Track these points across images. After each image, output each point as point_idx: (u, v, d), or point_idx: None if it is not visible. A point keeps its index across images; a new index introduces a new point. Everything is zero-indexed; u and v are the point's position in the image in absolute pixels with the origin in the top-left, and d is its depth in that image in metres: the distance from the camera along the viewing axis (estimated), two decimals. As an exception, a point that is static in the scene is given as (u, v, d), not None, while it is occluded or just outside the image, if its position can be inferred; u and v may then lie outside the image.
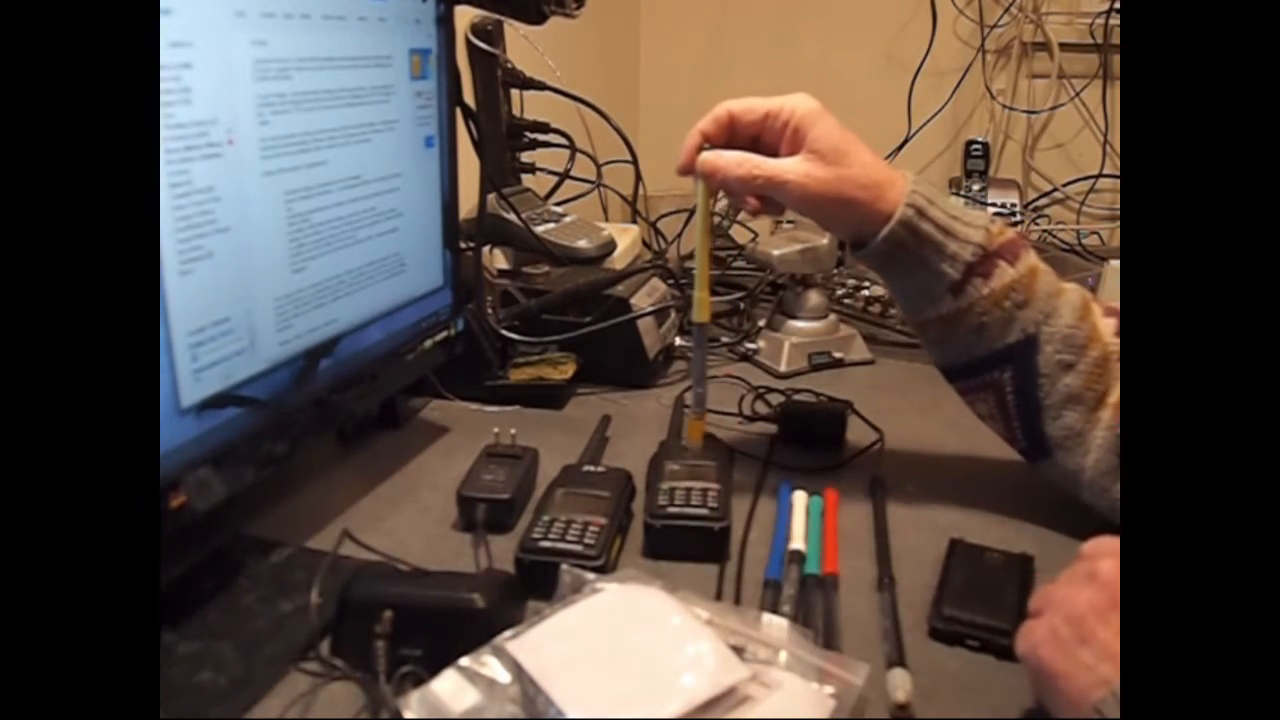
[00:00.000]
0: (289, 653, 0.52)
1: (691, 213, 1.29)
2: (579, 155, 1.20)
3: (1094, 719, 0.39)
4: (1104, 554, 0.43)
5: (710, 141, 0.64)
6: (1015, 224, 1.50)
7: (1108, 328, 0.62)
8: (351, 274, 0.64)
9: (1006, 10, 1.57)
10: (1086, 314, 0.63)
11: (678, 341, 0.99)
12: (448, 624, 0.49)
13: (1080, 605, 0.41)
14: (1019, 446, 0.66)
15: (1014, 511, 0.67)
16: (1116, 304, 0.64)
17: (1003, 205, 1.53)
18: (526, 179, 1.16)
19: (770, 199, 0.64)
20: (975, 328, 0.62)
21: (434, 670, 0.47)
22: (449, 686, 0.46)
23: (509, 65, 1.10)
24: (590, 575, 0.54)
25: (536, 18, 0.84)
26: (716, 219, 1.31)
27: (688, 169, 0.64)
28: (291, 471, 0.72)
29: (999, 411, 0.65)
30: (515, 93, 1.13)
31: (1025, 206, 1.59)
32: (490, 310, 0.89)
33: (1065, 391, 0.62)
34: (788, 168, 0.61)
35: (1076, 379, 0.62)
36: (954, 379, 0.67)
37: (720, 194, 0.66)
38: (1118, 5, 1.50)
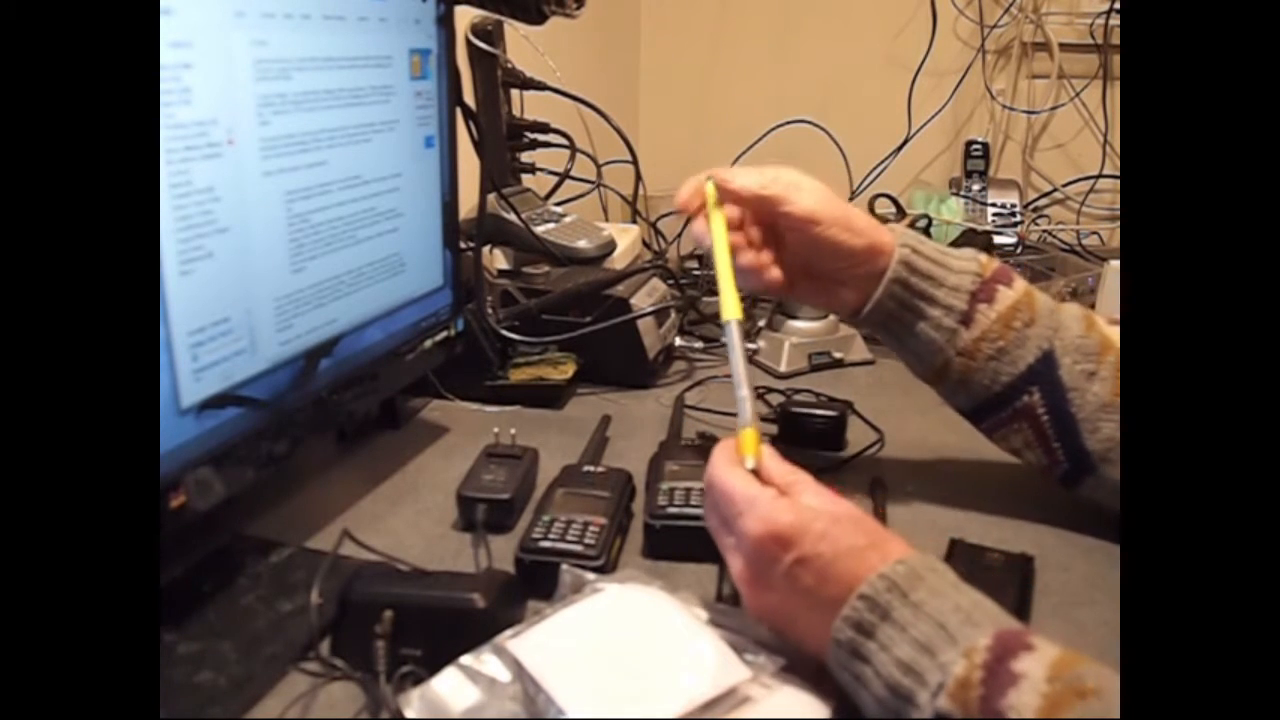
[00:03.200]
0: (289, 653, 0.52)
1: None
2: (579, 155, 1.20)
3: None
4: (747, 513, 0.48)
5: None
6: (1015, 224, 1.50)
7: (1115, 334, 0.63)
8: (351, 274, 0.64)
9: (1006, 10, 1.57)
10: (1091, 323, 0.63)
11: (678, 341, 0.99)
12: (448, 624, 0.49)
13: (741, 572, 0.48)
14: (1061, 469, 0.64)
15: (1014, 511, 0.67)
16: (1115, 315, 0.64)
17: (1003, 205, 1.53)
18: (526, 179, 1.16)
19: (778, 255, 0.64)
20: (993, 354, 0.62)
21: (434, 670, 0.47)
22: (449, 684, 0.46)
23: (509, 65, 1.10)
24: (590, 575, 0.54)
25: (536, 18, 0.84)
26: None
27: (689, 203, 0.63)
28: (291, 471, 0.72)
29: (1036, 437, 0.64)
30: (515, 93, 1.13)
31: (1025, 206, 1.60)
32: (490, 310, 0.89)
33: (1096, 401, 0.62)
34: (802, 181, 0.62)
35: (1103, 387, 0.61)
36: (984, 418, 0.65)
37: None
38: (1118, 5, 1.50)
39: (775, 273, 0.64)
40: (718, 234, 0.61)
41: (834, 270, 0.63)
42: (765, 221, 0.64)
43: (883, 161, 1.56)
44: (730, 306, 0.58)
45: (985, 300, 0.62)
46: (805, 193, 0.61)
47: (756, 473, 0.50)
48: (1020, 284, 0.64)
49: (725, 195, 0.62)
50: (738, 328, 0.57)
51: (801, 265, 0.64)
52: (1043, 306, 0.63)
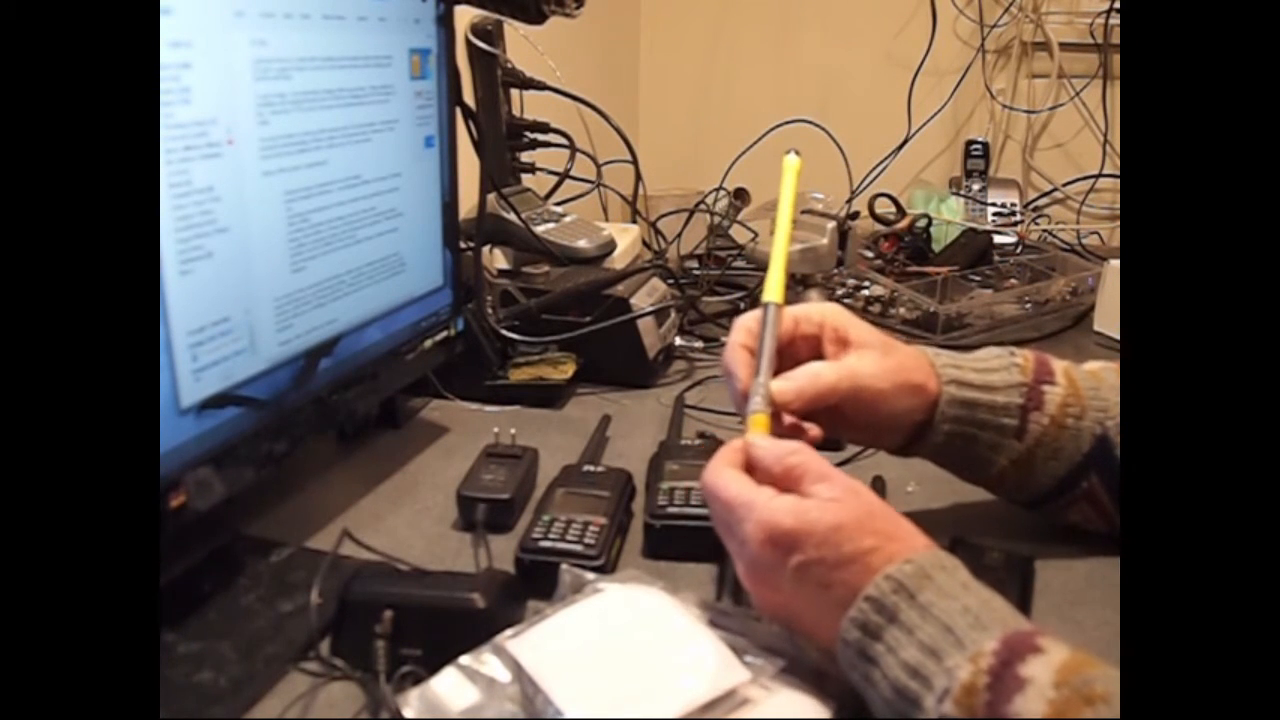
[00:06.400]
0: (289, 653, 0.52)
1: (692, 212, 1.29)
2: (579, 155, 1.20)
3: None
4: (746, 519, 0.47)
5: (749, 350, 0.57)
6: (1015, 223, 1.50)
7: None
8: (351, 274, 0.64)
9: (1006, 10, 1.57)
10: None
11: (678, 341, 0.99)
12: (448, 624, 0.49)
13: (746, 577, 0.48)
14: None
15: (1014, 511, 0.67)
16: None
17: (1003, 205, 1.53)
18: (526, 179, 1.16)
19: (831, 417, 0.58)
20: (1050, 455, 0.60)
21: (434, 670, 0.47)
22: (448, 684, 0.46)
23: (509, 65, 1.10)
24: (590, 575, 0.54)
25: (536, 18, 0.84)
26: (716, 219, 1.31)
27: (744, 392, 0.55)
28: (291, 471, 0.72)
29: (1097, 515, 0.62)
30: (515, 93, 1.13)
31: (1025, 206, 1.60)
32: (490, 310, 0.89)
33: None
34: (856, 352, 0.58)
35: None
36: (1042, 505, 0.63)
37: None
38: (1118, 5, 1.50)
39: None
40: (783, 210, 0.59)
41: (891, 425, 0.60)
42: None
43: (883, 161, 1.56)
44: (774, 288, 0.56)
45: (1035, 408, 0.59)
46: (864, 371, 0.56)
47: (750, 468, 0.50)
48: (1060, 372, 0.61)
49: (793, 409, 0.55)
50: (776, 312, 0.55)
51: (852, 422, 0.59)
52: (1086, 389, 0.60)
